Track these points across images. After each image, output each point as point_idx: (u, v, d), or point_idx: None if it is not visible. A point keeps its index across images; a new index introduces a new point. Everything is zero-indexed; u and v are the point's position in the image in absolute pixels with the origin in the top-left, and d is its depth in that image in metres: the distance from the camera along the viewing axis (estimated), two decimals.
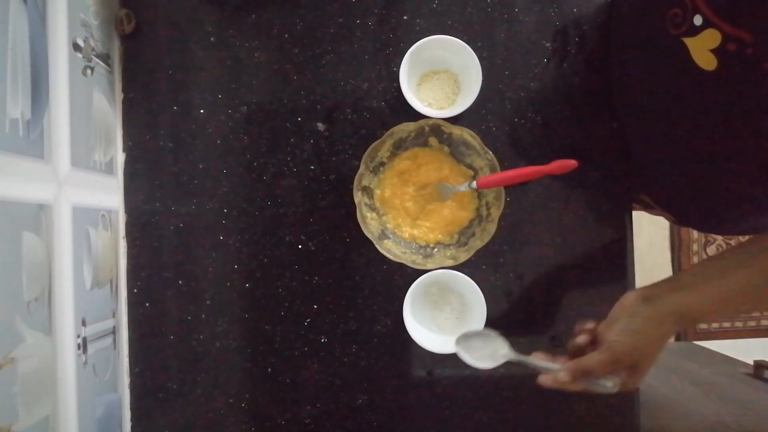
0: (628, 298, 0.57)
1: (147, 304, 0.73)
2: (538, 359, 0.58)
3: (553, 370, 0.55)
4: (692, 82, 0.54)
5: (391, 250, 0.69)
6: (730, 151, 0.56)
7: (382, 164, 0.71)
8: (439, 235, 0.71)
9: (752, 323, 1.95)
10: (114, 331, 0.70)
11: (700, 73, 0.52)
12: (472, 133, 0.67)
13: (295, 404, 0.73)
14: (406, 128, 0.68)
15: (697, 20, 0.50)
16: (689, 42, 0.52)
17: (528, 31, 0.73)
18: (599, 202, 0.73)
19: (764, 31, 0.45)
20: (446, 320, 0.71)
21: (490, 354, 0.61)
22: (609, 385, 0.54)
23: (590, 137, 0.73)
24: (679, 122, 0.60)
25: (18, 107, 0.51)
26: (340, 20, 0.73)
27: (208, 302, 0.73)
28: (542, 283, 0.73)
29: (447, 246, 0.71)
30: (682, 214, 0.77)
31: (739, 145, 0.54)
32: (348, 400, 0.73)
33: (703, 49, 0.51)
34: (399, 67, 0.69)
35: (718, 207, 0.67)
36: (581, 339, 0.57)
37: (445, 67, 0.72)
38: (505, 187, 0.68)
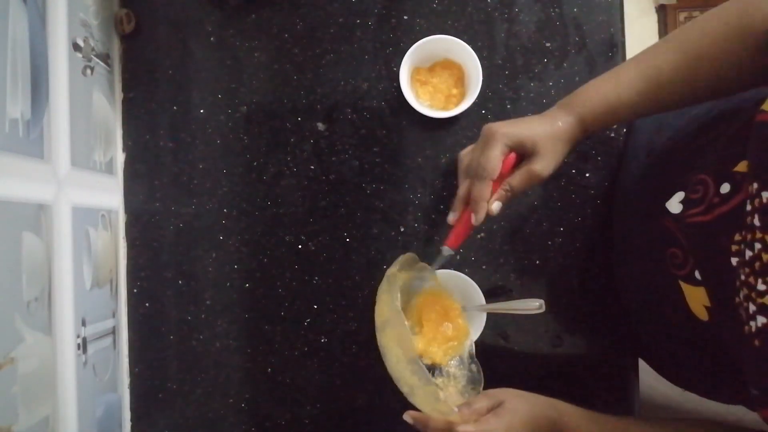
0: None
1: (147, 304, 0.73)
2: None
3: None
4: (685, 321, 0.52)
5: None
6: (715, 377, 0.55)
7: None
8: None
9: None
10: (114, 331, 0.70)
11: (693, 318, 0.50)
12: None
13: (295, 404, 0.73)
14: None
15: (698, 275, 0.48)
16: (686, 289, 0.50)
17: (528, 31, 0.73)
18: (598, 206, 0.73)
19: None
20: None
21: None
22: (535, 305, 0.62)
23: (589, 137, 0.72)
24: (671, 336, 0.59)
25: (18, 107, 0.51)
26: (340, 20, 0.73)
27: (208, 302, 0.73)
28: (543, 282, 0.73)
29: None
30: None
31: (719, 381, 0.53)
32: (348, 400, 0.73)
33: (697, 302, 0.49)
34: (399, 67, 0.69)
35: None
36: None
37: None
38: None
